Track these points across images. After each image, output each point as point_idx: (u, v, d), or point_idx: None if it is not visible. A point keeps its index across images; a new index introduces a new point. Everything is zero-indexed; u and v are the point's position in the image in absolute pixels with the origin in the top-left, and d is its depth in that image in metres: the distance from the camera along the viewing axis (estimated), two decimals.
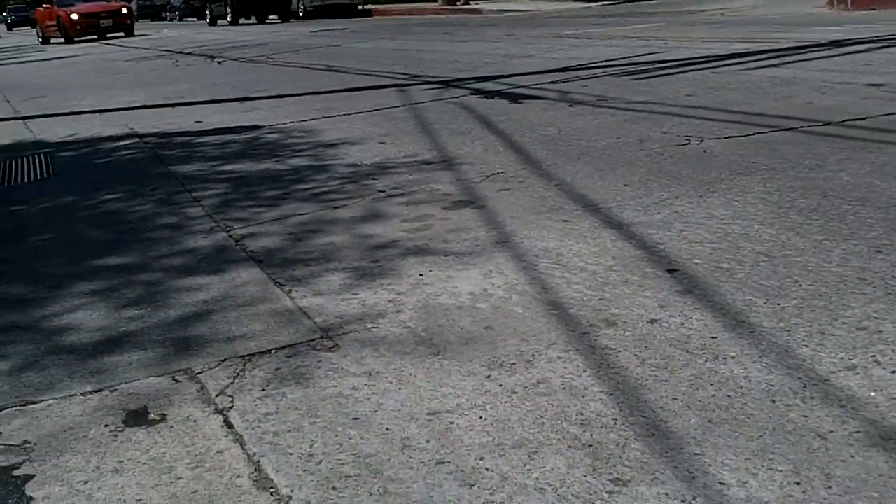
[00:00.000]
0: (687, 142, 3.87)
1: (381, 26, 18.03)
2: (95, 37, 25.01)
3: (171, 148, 5.00)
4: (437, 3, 24.80)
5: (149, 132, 5.62)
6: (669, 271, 2.33)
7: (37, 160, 5.00)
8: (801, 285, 2.16)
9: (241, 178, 4.02)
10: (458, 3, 23.94)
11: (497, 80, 6.59)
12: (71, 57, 16.31)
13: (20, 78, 12.04)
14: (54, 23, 25.88)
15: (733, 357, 1.81)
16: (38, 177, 4.56)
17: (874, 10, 10.93)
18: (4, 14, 66.35)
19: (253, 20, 28.53)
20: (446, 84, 6.65)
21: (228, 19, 28.19)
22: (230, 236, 3.06)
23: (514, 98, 5.63)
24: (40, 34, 28.09)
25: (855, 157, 3.34)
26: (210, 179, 4.04)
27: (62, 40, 25.06)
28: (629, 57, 7.42)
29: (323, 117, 5.58)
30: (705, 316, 2.03)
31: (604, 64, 7.10)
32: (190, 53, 13.63)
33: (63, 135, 5.90)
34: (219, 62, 11.25)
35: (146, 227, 3.30)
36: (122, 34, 25.37)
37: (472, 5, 23.18)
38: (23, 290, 2.69)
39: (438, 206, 3.22)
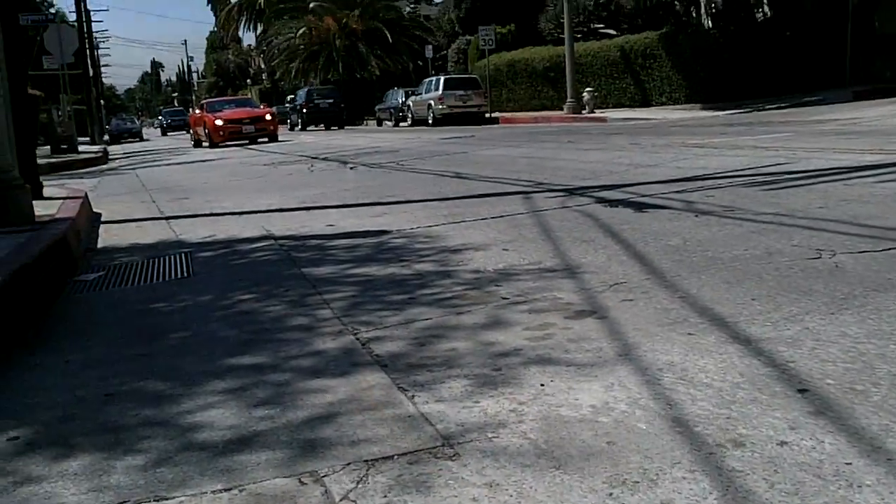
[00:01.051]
0: (818, 255, 3.78)
1: (508, 134, 18.42)
2: (242, 142, 25.48)
3: (303, 250, 5.21)
4: (562, 112, 25.23)
5: (283, 234, 5.87)
6: (800, 391, 2.27)
7: (177, 259, 5.28)
8: None
9: (368, 281, 4.14)
10: (583, 112, 24.28)
11: (621, 189, 6.62)
12: (213, 160, 17.28)
13: (165, 179, 12.82)
14: (202, 126, 26.98)
15: (869, 485, 1.73)
16: (178, 276, 4.82)
17: None
18: (160, 118, 67.89)
19: (321, 127, 37.26)
20: (570, 192, 6.72)
21: (299, 127, 36.77)
22: (357, 339, 3.15)
23: (639, 207, 5.64)
24: (192, 138, 29.33)
25: None
26: (339, 282, 4.18)
27: (207, 144, 26.21)
28: (757, 167, 7.35)
29: (448, 223, 5.71)
30: (839, 440, 1.96)
31: (731, 174, 7.04)
32: (325, 158, 14.24)
33: (203, 235, 6.23)
34: (351, 167, 11.71)
35: (278, 327, 3.44)
36: (265, 140, 25.94)
37: (598, 114, 23.46)
38: (160, 386, 2.83)
39: (561, 314, 3.23)
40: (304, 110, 38.14)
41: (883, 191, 5.43)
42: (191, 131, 30.38)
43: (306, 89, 40.79)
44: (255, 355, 3.07)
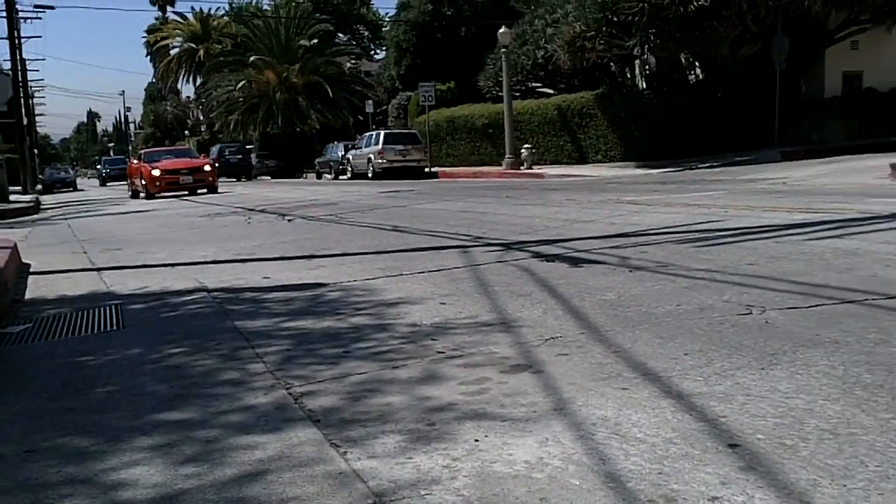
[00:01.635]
0: (748, 311, 3.85)
1: (447, 188, 18.55)
2: (180, 193, 24.51)
3: (237, 303, 5.13)
4: (501, 168, 25.54)
5: (217, 287, 5.78)
6: (731, 446, 2.28)
7: (107, 311, 5.16)
8: (867, 466, 2.09)
9: (303, 334, 4.08)
10: (521, 168, 24.61)
11: (557, 244, 6.69)
12: (148, 211, 17.03)
13: (98, 230, 12.58)
14: (138, 177, 25.93)
15: None
16: (108, 328, 4.70)
17: None
18: (98, 167, 64.30)
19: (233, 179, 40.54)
20: (507, 246, 6.77)
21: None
22: (290, 394, 3.09)
23: (574, 262, 5.70)
24: (130, 189, 28.17)
25: None
26: (273, 336, 4.12)
27: (144, 195, 25.02)
28: (689, 224, 7.49)
29: (386, 276, 5.69)
30: (768, 495, 1.97)
31: (664, 231, 7.17)
32: (262, 210, 14.15)
33: (134, 287, 6.10)
34: (289, 220, 11.64)
35: (208, 382, 3.36)
36: (204, 190, 25.15)
37: (535, 170, 23.81)
38: (84, 441, 2.73)
39: (496, 369, 3.22)
40: (217, 164, 39.37)
41: (811, 248, 5.58)
42: (128, 181, 29.44)
43: (218, 146, 46.18)
44: (183, 410, 2.99)
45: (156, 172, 24.50)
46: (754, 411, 2.54)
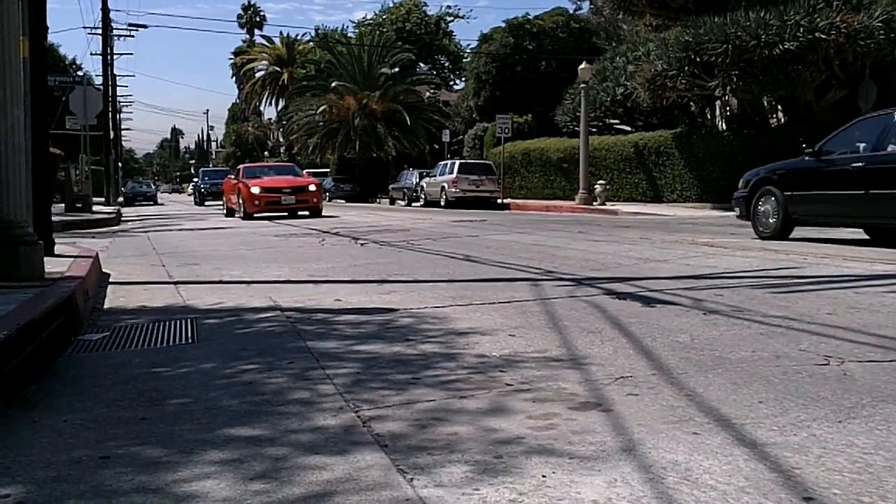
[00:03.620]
0: (826, 362, 3.76)
1: (519, 220, 18.55)
2: (280, 214, 21.84)
3: (309, 323, 5.20)
4: (574, 202, 25.45)
5: (290, 306, 5.87)
6: (806, 500, 2.23)
7: (183, 325, 5.28)
8: None
9: (373, 358, 4.12)
10: (594, 204, 24.47)
11: (630, 282, 6.63)
12: (225, 228, 17.40)
13: (176, 244, 12.89)
14: (236, 194, 22.86)
15: None
16: (183, 341, 4.81)
17: None
18: (196, 181, 49.89)
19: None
20: (579, 282, 6.73)
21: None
22: (358, 417, 3.12)
23: (647, 301, 5.64)
24: (225, 207, 25.26)
25: None
26: (344, 358, 4.16)
27: (241, 215, 22.05)
28: (766, 269, 7.36)
29: (456, 305, 5.71)
30: None
31: (739, 274, 7.05)
32: (336, 234, 14.33)
33: (210, 302, 6.23)
34: (361, 244, 11.77)
35: (279, 400, 3.41)
36: (306, 213, 22.08)
37: (609, 206, 23.64)
38: (157, 452, 2.80)
39: (565, 405, 3.20)
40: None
41: (893, 301, 5.42)
42: (224, 199, 26.19)
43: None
44: (254, 427, 3.04)
45: (255, 190, 21.66)
46: (830, 465, 2.47)
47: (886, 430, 2.79)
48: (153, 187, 60.78)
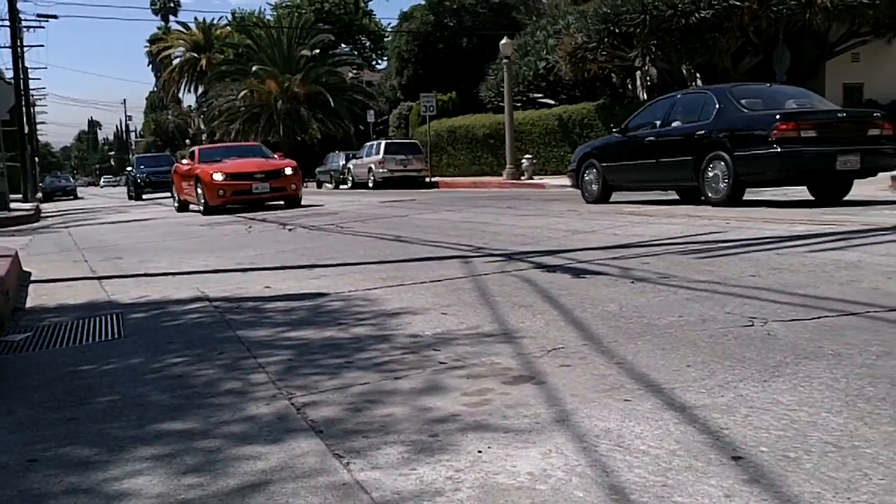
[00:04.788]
0: (751, 323, 3.85)
1: (447, 198, 18.56)
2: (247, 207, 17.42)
3: (238, 312, 5.13)
4: (501, 178, 25.56)
5: (219, 296, 5.78)
6: (734, 458, 2.28)
7: (108, 320, 5.16)
8: (871, 479, 2.09)
9: (304, 345, 4.08)
10: (522, 178, 24.62)
11: (559, 255, 6.69)
12: (148, 220, 17.04)
13: (99, 239, 12.58)
14: (192, 183, 18.46)
15: None
16: (109, 337, 4.70)
17: None
18: (129, 170, 42.46)
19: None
20: (509, 257, 6.77)
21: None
22: (292, 404, 3.09)
23: (576, 272, 5.70)
24: (176, 200, 20.54)
25: None
26: (275, 346, 4.11)
27: (200, 209, 17.93)
28: (691, 235, 7.50)
29: (387, 286, 5.69)
30: None
31: (666, 242, 7.17)
32: (263, 220, 14.15)
33: (135, 296, 6.10)
34: (289, 229, 11.65)
35: (210, 392, 3.36)
36: (281, 203, 18.22)
37: (536, 180, 23.81)
38: (87, 451, 2.73)
39: (499, 380, 3.22)
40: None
41: (813, 260, 5.58)
42: (173, 190, 21.25)
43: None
44: (185, 420, 2.99)
45: (218, 177, 17.45)
46: (757, 423, 2.53)
47: (809, 387, 2.87)
48: (72, 181, 59.19)
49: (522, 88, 29.32)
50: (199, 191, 17.85)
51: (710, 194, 10.96)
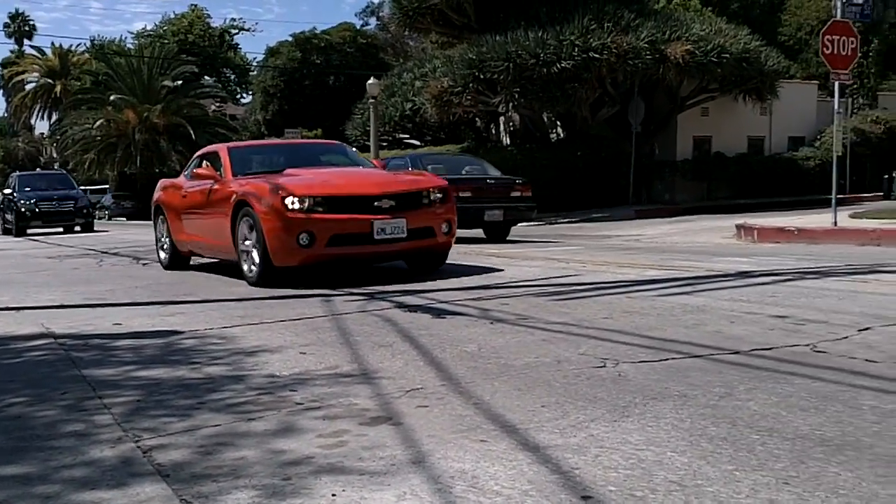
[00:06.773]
0: (603, 364, 3.96)
1: None
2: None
3: (85, 350, 4.90)
4: None
5: (65, 333, 5.51)
6: (584, 498, 2.33)
7: None
8: None
9: (154, 384, 3.93)
10: None
11: (420, 294, 6.72)
12: None
13: None
14: (221, 218, 8.68)
15: None
16: None
17: (778, 243, 11.65)
18: (6, 192, 27.78)
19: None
20: (371, 296, 6.75)
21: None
22: (138, 447, 2.96)
23: (437, 313, 5.73)
24: (167, 246, 10.58)
25: (762, 387, 3.45)
26: (123, 385, 3.95)
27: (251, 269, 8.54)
28: (549, 278, 7.68)
29: (245, 324, 5.57)
30: None
31: (524, 283, 7.32)
32: (115, 253, 13.63)
33: None
34: (144, 264, 11.26)
35: (50, 434, 3.18)
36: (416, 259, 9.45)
37: None
38: None
39: (355, 421, 3.19)
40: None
41: (662, 304, 5.80)
42: (162, 230, 15.80)
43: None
44: (22, 464, 2.82)
45: (295, 203, 7.82)
46: (607, 463, 2.60)
47: (656, 427, 2.96)
48: None
49: (389, 129, 29.54)
50: (249, 231, 8.24)
51: None
